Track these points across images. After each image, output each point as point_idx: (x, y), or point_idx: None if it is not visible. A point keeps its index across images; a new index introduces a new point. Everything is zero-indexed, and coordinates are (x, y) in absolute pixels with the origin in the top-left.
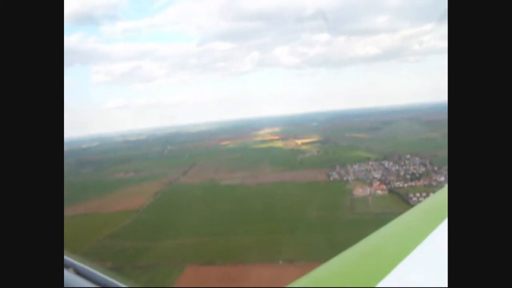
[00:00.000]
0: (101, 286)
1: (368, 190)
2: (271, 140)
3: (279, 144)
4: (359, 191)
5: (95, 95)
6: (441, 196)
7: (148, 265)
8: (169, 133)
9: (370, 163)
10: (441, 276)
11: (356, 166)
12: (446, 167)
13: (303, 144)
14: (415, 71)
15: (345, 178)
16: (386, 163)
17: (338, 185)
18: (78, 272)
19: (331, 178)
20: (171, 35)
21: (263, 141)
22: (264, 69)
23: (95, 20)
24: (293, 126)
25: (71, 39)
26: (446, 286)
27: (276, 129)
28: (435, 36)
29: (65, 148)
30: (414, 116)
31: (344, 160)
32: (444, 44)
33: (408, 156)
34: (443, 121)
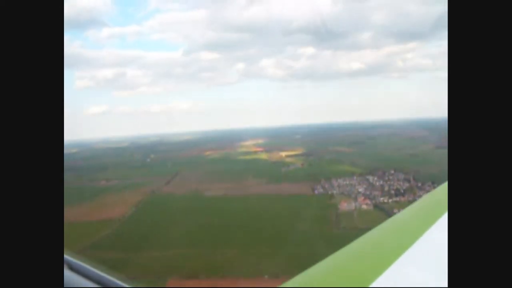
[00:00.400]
0: (94, 282)
1: (353, 205)
2: (255, 152)
3: (263, 156)
4: (344, 206)
5: (78, 100)
6: (436, 195)
7: (129, 278)
8: (152, 141)
9: (355, 177)
10: (438, 272)
11: (340, 180)
12: (429, 183)
13: (287, 156)
14: (398, 87)
15: (330, 192)
16: (370, 178)
17: (323, 199)
18: (72, 268)
19: (316, 192)
20: (157, 43)
21: (247, 153)
22: (250, 81)
23: (81, 24)
24: (277, 138)
25: None
26: (443, 282)
27: (260, 141)
28: (418, 54)
29: None
30: (397, 132)
31: (328, 174)
32: (426, 62)
33: (392, 172)
34: (425, 137)
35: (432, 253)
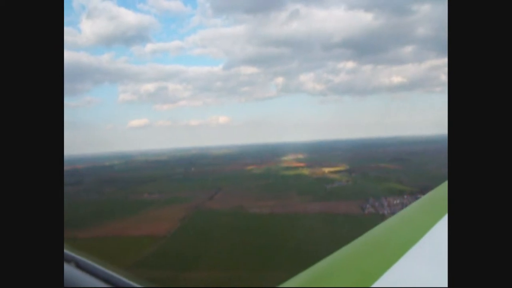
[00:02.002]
0: (105, 281)
1: None
2: (297, 167)
3: (305, 171)
4: None
5: (120, 113)
6: (441, 191)
7: None
8: (191, 155)
9: (406, 196)
10: (442, 271)
11: (390, 199)
12: None
13: (330, 172)
14: (440, 101)
15: (380, 212)
16: None
17: (374, 219)
18: (79, 266)
19: (366, 212)
20: (199, 58)
21: (289, 168)
22: (288, 95)
23: (127, 40)
24: (317, 153)
25: (102, 59)
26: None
27: (300, 156)
28: None
29: (88, 164)
30: (441, 148)
31: (376, 192)
32: None
33: None
34: None
35: (437, 251)
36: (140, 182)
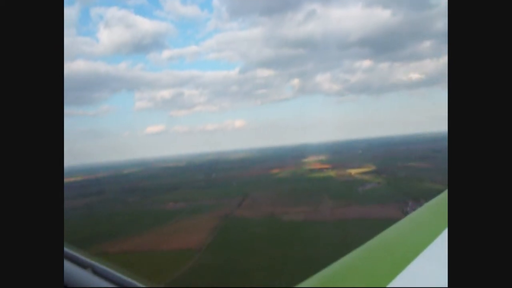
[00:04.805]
0: (119, 286)
1: None
2: (322, 169)
3: (332, 173)
4: None
5: (137, 121)
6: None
7: None
8: (209, 160)
9: None
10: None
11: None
12: None
13: (358, 174)
14: None
15: None
16: None
17: None
18: (96, 272)
19: None
20: (214, 62)
21: (314, 170)
22: (305, 96)
23: (143, 48)
24: (339, 154)
25: (119, 67)
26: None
27: (321, 157)
28: None
29: (108, 173)
30: None
31: (413, 193)
32: None
33: None
34: None
35: (445, 257)
36: (162, 190)
